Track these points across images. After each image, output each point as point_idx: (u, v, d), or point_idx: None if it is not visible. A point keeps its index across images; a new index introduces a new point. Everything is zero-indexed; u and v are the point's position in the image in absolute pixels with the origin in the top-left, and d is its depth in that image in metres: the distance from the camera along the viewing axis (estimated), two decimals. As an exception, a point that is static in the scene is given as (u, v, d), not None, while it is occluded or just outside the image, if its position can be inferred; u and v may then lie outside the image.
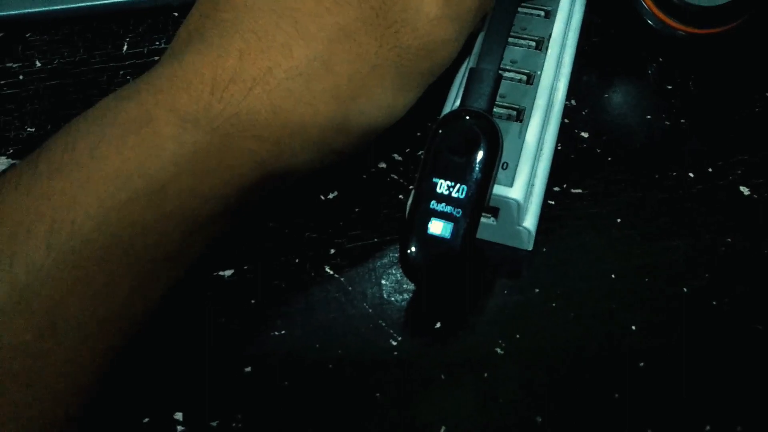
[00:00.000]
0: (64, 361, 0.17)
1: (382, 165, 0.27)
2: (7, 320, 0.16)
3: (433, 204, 0.20)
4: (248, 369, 0.21)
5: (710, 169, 0.26)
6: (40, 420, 0.17)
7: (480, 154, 0.20)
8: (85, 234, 0.17)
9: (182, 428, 0.21)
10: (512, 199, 0.22)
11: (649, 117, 0.28)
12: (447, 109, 0.26)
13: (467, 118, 0.21)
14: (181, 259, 0.20)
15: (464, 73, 0.26)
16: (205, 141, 0.18)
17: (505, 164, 0.23)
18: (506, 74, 0.25)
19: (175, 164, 0.18)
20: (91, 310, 0.17)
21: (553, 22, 0.27)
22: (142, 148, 0.18)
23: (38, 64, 0.32)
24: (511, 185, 0.22)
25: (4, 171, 0.21)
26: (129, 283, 0.18)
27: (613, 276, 0.23)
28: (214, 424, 0.20)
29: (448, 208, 0.20)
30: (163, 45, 0.32)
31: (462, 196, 0.20)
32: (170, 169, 0.18)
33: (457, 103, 0.25)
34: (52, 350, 0.17)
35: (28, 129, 0.29)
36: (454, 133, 0.21)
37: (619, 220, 0.25)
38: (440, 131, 0.21)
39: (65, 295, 0.17)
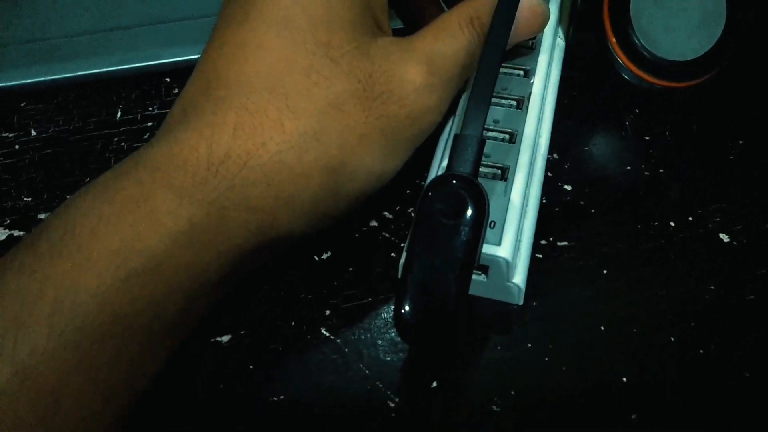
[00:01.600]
0: None
1: (374, 223, 0.27)
2: (11, 402, 0.16)
3: (426, 264, 0.21)
4: (248, 436, 0.22)
5: (690, 218, 0.27)
6: None
7: (468, 217, 0.21)
8: (86, 313, 0.17)
9: (184, 499, 0.21)
10: (501, 257, 0.23)
11: (628, 168, 0.29)
12: (434, 169, 0.26)
13: (454, 182, 0.22)
14: (179, 329, 0.20)
15: (449, 132, 0.27)
16: (201, 215, 0.19)
17: (493, 223, 0.23)
18: (489, 134, 0.26)
19: (173, 240, 0.19)
20: (94, 387, 0.18)
21: (532, 81, 0.28)
22: (140, 226, 0.19)
23: (34, 133, 0.32)
24: (499, 243, 0.23)
25: (6, 249, 0.21)
26: (130, 357, 0.18)
27: (602, 328, 0.24)
28: (215, 494, 0.21)
29: (440, 269, 0.21)
30: (156, 111, 0.33)
31: (453, 257, 0.21)
32: (168, 245, 0.19)
33: (444, 163, 0.26)
34: (57, 429, 0.17)
35: (25, 199, 0.30)
36: (443, 197, 0.21)
37: (605, 272, 0.25)
38: (429, 194, 0.22)
39: (68, 374, 0.17)
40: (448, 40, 0.23)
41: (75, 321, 0.17)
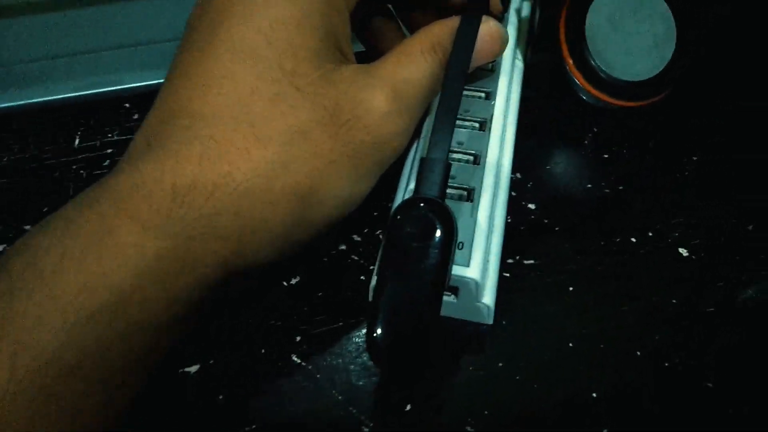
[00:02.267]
0: None
1: (342, 247, 0.27)
2: None
3: (397, 288, 0.21)
4: (221, 470, 0.21)
5: (650, 233, 0.28)
6: None
7: (437, 240, 0.21)
8: (50, 353, 0.17)
9: None
10: (470, 278, 0.23)
11: (589, 186, 0.29)
12: (401, 192, 0.27)
13: (422, 205, 0.22)
14: (149, 362, 0.20)
15: (415, 155, 0.27)
16: (167, 247, 0.19)
17: (461, 244, 0.24)
18: (454, 156, 0.26)
19: (139, 274, 0.18)
20: (60, 429, 0.17)
21: (493, 103, 0.28)
22: (105, 260, 0.18)
23: (-13, 162, 0.31)
24: (468, 265, 0.23)
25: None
26: (99, 395, 0.18)
27: (570, 344, 0.24)
28: None
29: (411, 291, 0.21)
30: (116, 137, 0.33)
31: (423, 280, 0.21)
32: (134, 279, 0.18)
33: (411, 185, 0.26)
34: None
35: (-21, 231, 0.29)
36: (411, 220, 0.22)
37: (571, 288, 0.26)
38: (398, 218, 0.22)
39: (33, 416, 0.16)
40: (411, 66, 0.23)
41: (38, 361, 0.17)
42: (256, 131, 0.20)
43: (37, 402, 0.17)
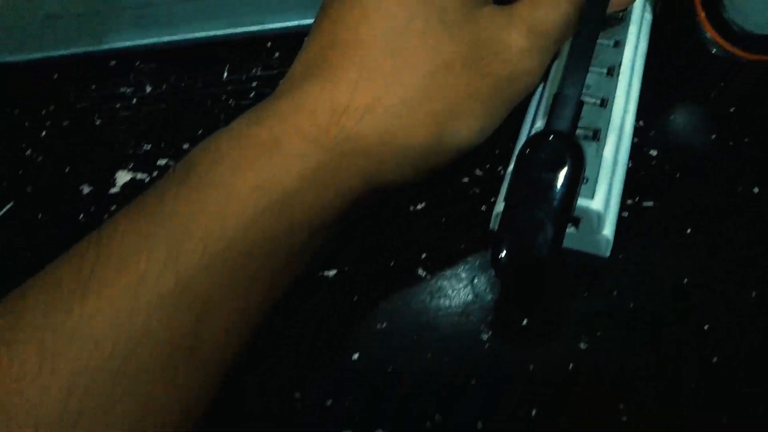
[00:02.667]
0: (220, 344, 0.20)
1: (465, 179, 0.29)
2: (172, 306, 0.19)
3: (524, 212, 0.22)
4: (355, 356, 0.24)
5: (774, 185, 0.28)
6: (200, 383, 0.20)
7: (566, 171, 0.23)
8: (231, 237, 0.20)
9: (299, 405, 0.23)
10: (593, 209, 0.24)
11: (713, 137, 0.30)
12: (525, 129, 0.28)
13: (553, 137, 0.23)
14: (303, 258, 0.22)
15: (539, 97, 0.29)
16: (324, 159, 0.21)
17: (586, 179, 0.25)
18: (583, 97, 0.27)
19: (301, 179, 0.21)
20: (236, 300, 0.20)
21: (622, 51, 0.29)
22: (274, 166, 0.21)
23: (149, 89, 0.35)
24: (592, 197, 0.25)
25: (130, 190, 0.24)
26: (264, 280, 0.21)
27: (685, 280, 0.25)
28: (328, 403, 0.23)
29: (538, 216, 0.22)
30: (258, 72, 0.36)
31: (551, 207, 0.22)
32: (297, 183, 0.21)
33: (538, 123, 0.27)
34: (209, 332, 0.20)
35: (145, 146, 0.33)
36: (543, 151, 0.23)
37: (689, 231, 0.27)
38: (528, 150, 0.23)
39: (217, 287, 0.20)
40: (548, 7, 0.25)
41: (222, 242, 0.20)
42: (405, 61, 0.23)
43: (221, 274, 0.20)
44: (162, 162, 0.32)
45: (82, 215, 0.30)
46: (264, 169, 0.21)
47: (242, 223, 0.20)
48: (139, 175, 0.31)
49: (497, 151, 0.30)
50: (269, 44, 0.37)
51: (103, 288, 0.19)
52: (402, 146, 0.23)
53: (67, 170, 0.32)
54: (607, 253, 0.26)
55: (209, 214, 0.20)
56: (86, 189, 0.31)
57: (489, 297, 0.25)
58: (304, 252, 0.22)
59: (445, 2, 0.23)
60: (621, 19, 0.30)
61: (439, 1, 0.23)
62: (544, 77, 0.28)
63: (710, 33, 0.31)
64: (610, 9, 0.27)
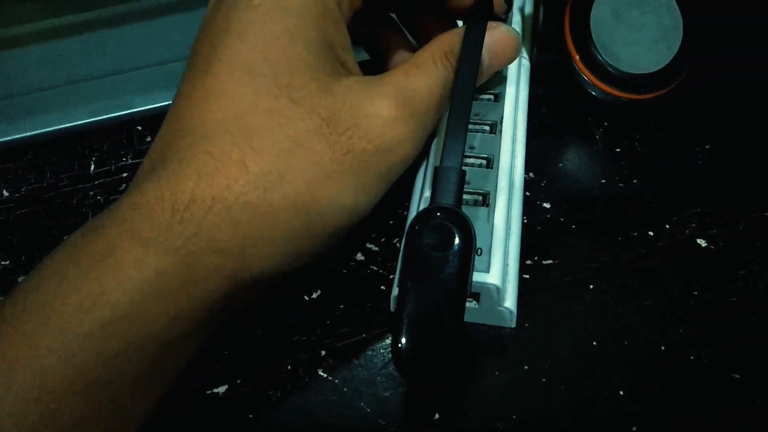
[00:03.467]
0: None
1: (360, 257, 0.28)
2: None
3: (419, 298, 0.21)
4: (256, 488, 0.22)
5: (667, 226, 0.27)
6: None
7: (456, 248, 0.21)
8: (46, 369, 0.17)
9: None
10: (491, 284, 0.23)
11: (603, 181, 0.29)
12: (415, 200, 0.27)
13: (439, 214, 0.22)
14: (154, 382, 0.20)
15: (427, 161, 0.27)
16: (167, 262, 0.19)
17: (479, 250, 0.24)
18: (467, 161, 0.26)
19: (139, 290, 0.19)
20: None
21: (503, 105, 0.29)
22: (105, 280, 0.18)
23: (6, 193, 0.32)
24: (487, 270, 0.23)
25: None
26: (102, 414, 0.18)
27: (594, 343, 0.24)
28: None
29: (434, 301, 0.21)
30: (130, 160, 0.33)
31: (446, 289, 0.21)
32: (134, 296, 0.19)
33: (426, 193, 0.26)
34: None
35: (3, 262, 0.29)
36: (429, 230, 0.22)
37: (591, 286, 0.26)
38: (416, 227, 0.22)
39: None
40: (421, 75, 0.24)
41: (35, 379, 0.17)
42: (252, 144, 0.21)
43: (33, 417, 0.17)
44: (21, 279, 0.28)
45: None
46: (92, 285, 0.18)
47: (60, 352, 0.18)
48: (-3, 298, 0.28)
49: (391, 222, 0.28)
50: (139, 127, 0.34)
51: None
52: (261, 235, 0.20)
53: None
54: (513, 324, 0.25)
55: (18, 349, 0.18)
56: (-66, 323, 0.27)
57: (397, 392, 0.24)
58: (157, 373, 0.20)
59: (293, 77, 0.22)
60: (498, 71, 0.30)
61: (286, 77, 0.22)
62: (429, 141, 0.27)
63: (587, 75, 0.31)
64: (495, 68, 0.27)
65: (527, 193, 0.29)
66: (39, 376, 0.17)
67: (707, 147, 0.30)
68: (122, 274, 0.19)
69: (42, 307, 0.18)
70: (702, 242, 0.27)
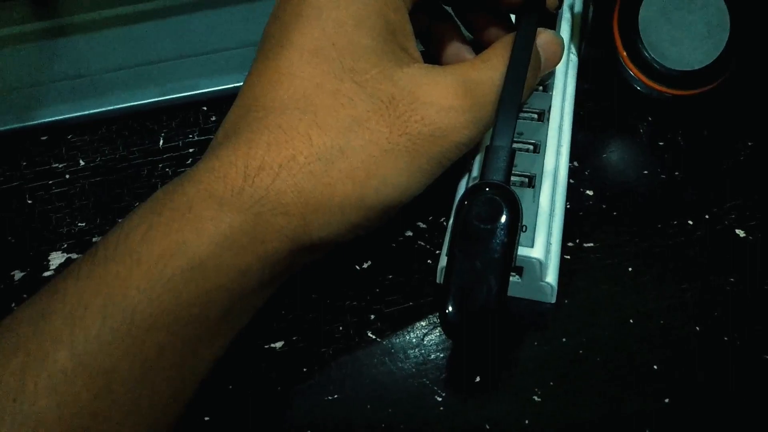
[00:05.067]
0: (118, 423, 0.19)
1: (409, 233, 0.29)
2: (68, 380, 0.18)
3: (466, 267, 0.22)
4: (308, 431, 0.23)
5: (707, 216, 0.28)
6: None
7: (503, 221, 0.23)
8: (135, 306, 0.19)
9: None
10: (534, 258, 0.25)
11: (645, 172, 0.30)
12: (463, 181, 0.28)
13: (488, 189, 0.23)
14: (222, 329, 0.22)
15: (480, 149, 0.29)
16: (240, 220, 0.21)
17: (524, 227, 0.25)
18: (515, 145, 0.28)
19: (214, 242, 0.21)
20: (141, 374, 0.19)
21: (551, 95, 0.30)
22: (185, 231, 0.20)
23: (82, 163, 0.35)
24: (532, 246, 0.25)
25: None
26: (176, 351, 0.20)
27: (631, 321, 0.25)
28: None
29: (481, 270, 0.22)
30: (195, 137, 0.35)
31: (492, 258, 0.22)
32: (210, 247, 0.20)
33: (474, 174, 0.28)
34: (109, 410, 0.19)
35: (79, 224, 0.32)
36: (479, 203, 0.23)
37: (630, 269, 0.27)
38: (466, 202, 0.23)
39: (119, 360, 0.19)
40: (487, 69, 0.25)
41: (125, 313, 0.19)
42: (318, 120, 0.23)
43: (123, 347, 0.19)
44: (98, 240, 0.31)
45: (13, 303, 0.29)
46: (174, 235, 0.20)
47: (146, 292, 0.20)
48: (74, 255, 0.30)
49: (439, 202, 0.30)
50: (205, 108, 0.37)
51: None
52: (321, 203, 0.22)
53: (-3, 256, 0.31)
54: (553, 299, 0.26)
55: (111, 286, 0.19)
56: (18, 274, 0.30)
57: (441, 356, 0.25)
58: (225, 322, 0.22)
59: (356, 61, 0.24)
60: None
61: (350, 61, 0.24)
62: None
63: (633, 71, 0.32)
64: (545, 70, 0.28)
65: (571, 181, 0.30)
66: (129, 312, 0.19)
67: (749, 144, 0.31)
68: (200, 227, 0.21)
69: (130, 252, 0.20)
70: (741, 233, 0.28)
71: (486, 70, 0.25)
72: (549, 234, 0.26)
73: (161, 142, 0.35)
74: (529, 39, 0.26)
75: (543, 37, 0.27)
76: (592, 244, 0.28)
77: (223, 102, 0.36)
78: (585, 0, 0.34)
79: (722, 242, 0.28)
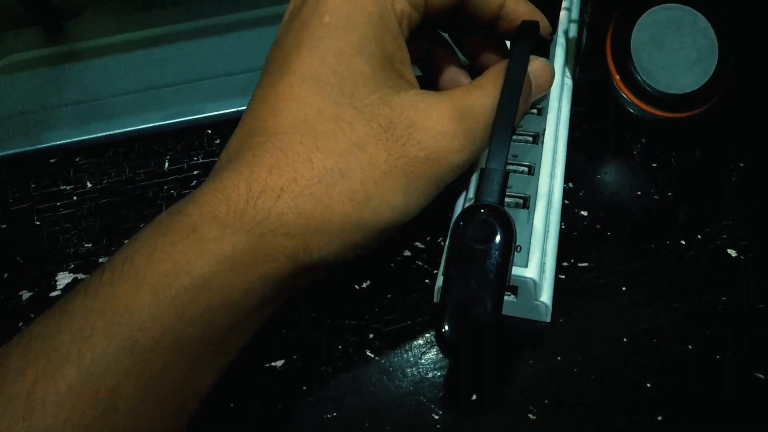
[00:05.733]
0: None
1: (407, 253, 0.30)
2: (75, 398, 0.19)
3: (462, 286, 0.23)
4: (307, 450, 0.24)
5: (699, 236, 0.29)
6: None
7: (497, 242, 0.23)
8: (139, 324, 0.20)
9: None
10: (528, 278, 0.25)
11: (639, 192, 0.31)
12: (460, 202, 0.29)
13: (483, 211, 0.24)
14: (223, 348, 0.22)
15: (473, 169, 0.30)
16: (242, 241, 0.22)
17: (519, 247, 0.26)
18: (510, 167, 0.29)
19: (217, 263, 0.21)
20: (146, 393, 0.20)
21: (545, 118, 0.31)
22: (189, 252, 0.21)
23: (89, 185, 0.35)
24: (526, 265, 0.25)
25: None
26: (179, 369, 0.21)
27: (624, 339, 0.26)
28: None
29: (476, 289, 0.23)
30: (200, 160, 0.36)
31: (487, 278, 0.23)
32: (212, 267, 0.21)
33: (471, 195, 0.28)
34: (114, 426, 0.19)
35: (86, 245, 0.32)
36: (474, 224, 0.24)
37: (624, 288, 0.28)
38: (461, 222, 0.24)
39: (124, 378, 0.20)
40: (481, 95, 0.26)
41: (129, 331, 0.20)
42: (318, 144, 0.24)
43: (128, 365, 0.20)
44: (103, 260, 0.32)
45: (21, 323, 0.29)
46: (178, 256, 0.21)
47: (151, 310, 0.20)
48: (81, 276, 0.31)
49: (436, 223, 0.31)
50: (209, 131, 0.38)
51: None
52: (321, 224, 0.23)
53: (5, 276, 0.31)
54: (548, 318, 0.27)
55: (116, 306, 0.20)
56: (26, 294, 0.30)
57: (438, 374, 0.26)
58: (227, 340, 0.22)
59: (356, 88, 0.25)
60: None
61: (350, 88, 0.25)
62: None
63: (626, 95, 0.33)
64: (537, 95, 0.29)
65: (566, 201, 0.31)
66: (134, 331, 0.20)
67: (741, 165, 0.32)
68: (204, 248, 0.21)
69: (136, 273, 0.21)
70: (732, 252, 0.28)
71: (480, 97, 0.26)
72: (543, 254, 0.26)
73: (167, 164, 0.36)
74: (522, 66, 0.27)
75: (535, 64, 0.28)
76: (586, 264, 0.28)
77: (227, 125, 0.37)
78: (579, 26, 0.35)
79: (714, 262, 0.28)
